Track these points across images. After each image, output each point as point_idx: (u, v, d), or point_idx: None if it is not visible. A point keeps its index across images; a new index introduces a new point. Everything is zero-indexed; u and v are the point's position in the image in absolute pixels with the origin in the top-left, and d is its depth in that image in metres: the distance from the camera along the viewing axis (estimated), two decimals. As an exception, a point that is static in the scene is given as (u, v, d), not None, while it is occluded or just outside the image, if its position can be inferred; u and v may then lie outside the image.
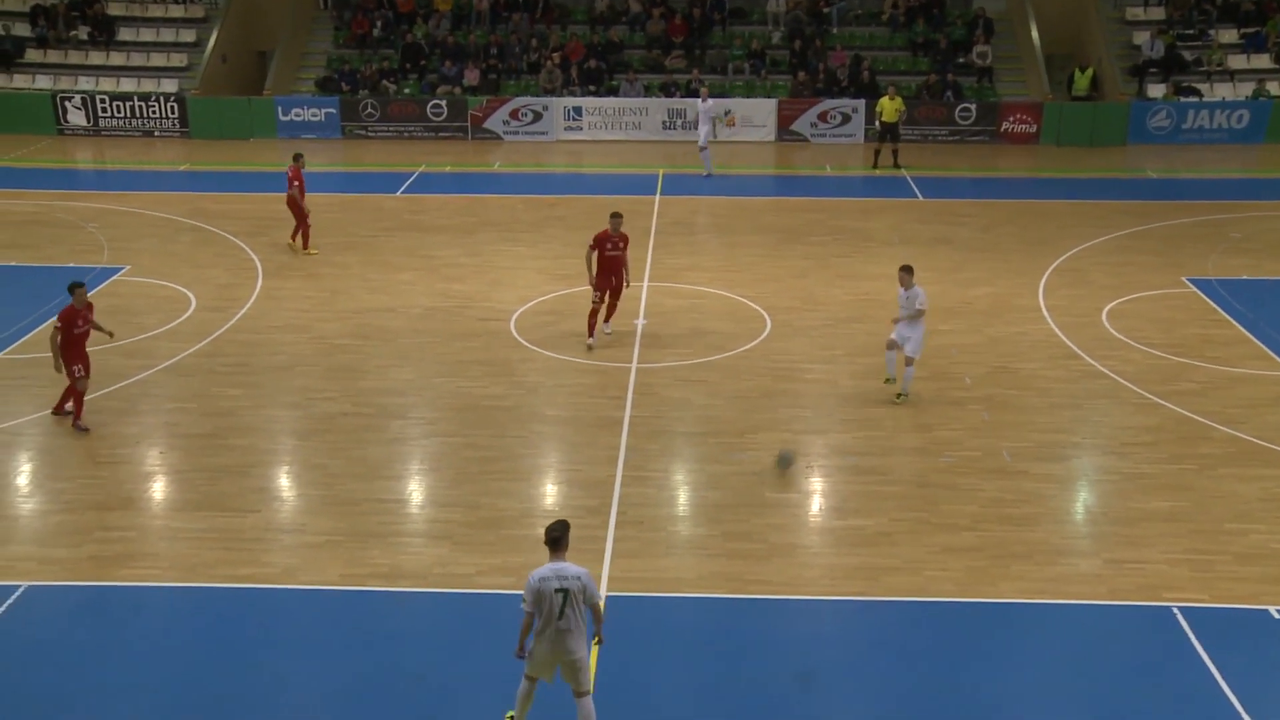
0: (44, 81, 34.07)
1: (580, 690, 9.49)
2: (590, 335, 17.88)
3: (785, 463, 14.12)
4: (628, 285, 18.07)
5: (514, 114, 32.98)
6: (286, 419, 15.83)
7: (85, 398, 15.37)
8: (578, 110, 33.03)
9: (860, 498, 13.66)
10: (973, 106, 32.84)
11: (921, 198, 27.26)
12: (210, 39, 35.05)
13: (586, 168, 29.95)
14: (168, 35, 35.38)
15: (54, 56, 34.78)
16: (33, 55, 34.66)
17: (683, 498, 13.85)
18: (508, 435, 15.20)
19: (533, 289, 20.58)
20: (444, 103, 33.07)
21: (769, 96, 33.49)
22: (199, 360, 17.47)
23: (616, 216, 17.62)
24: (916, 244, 23.26)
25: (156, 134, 33.39)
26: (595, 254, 17.61)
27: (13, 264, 21.90)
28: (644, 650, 10.98)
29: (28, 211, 25.42)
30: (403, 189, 27.77)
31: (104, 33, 35.07)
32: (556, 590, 9.16)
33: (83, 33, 35.14)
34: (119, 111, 33.37)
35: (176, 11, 35.82)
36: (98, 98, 33.29)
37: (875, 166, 29.96)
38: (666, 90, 33.44)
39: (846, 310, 19.65)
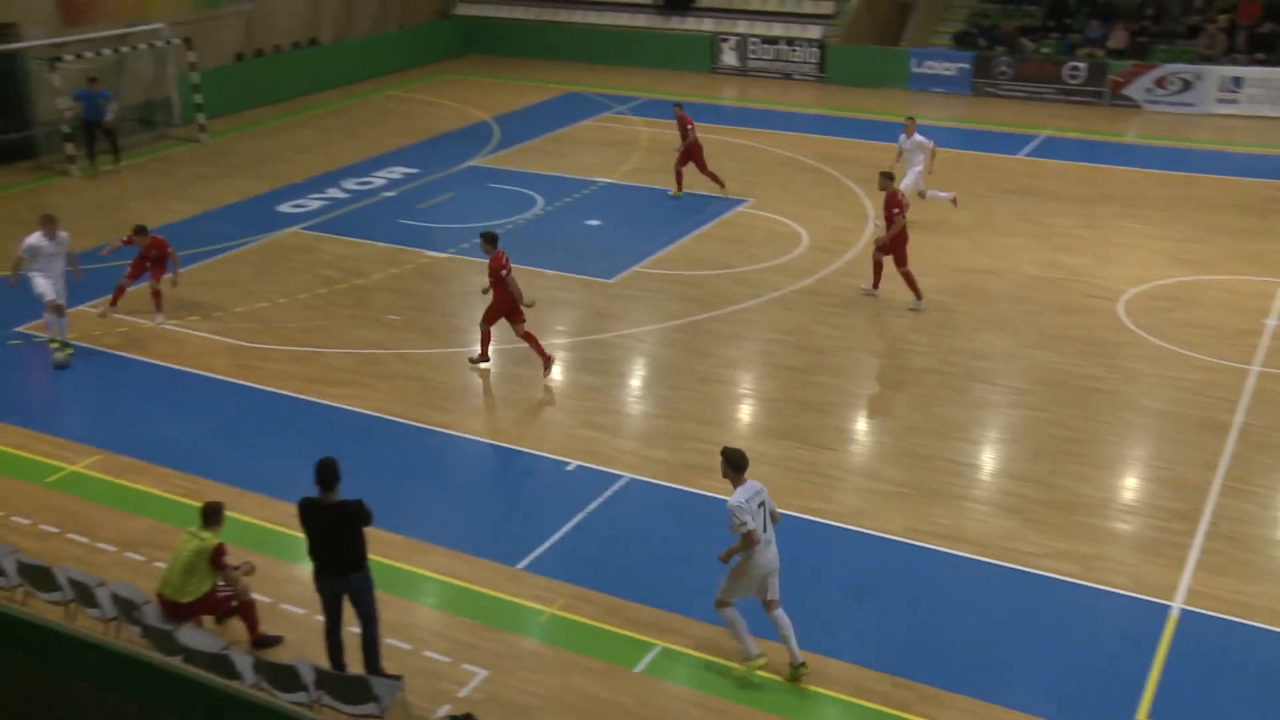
0: (708, 24, 36.94)
1: (775, 598, 10.04)
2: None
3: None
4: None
5: (1159, 81, 30.80)
6: (874, 365, 16.27)
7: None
8: (1237, 81, 30.11)
9: None
10: None
11: None
12: (860, -12, 36.04)
13: (1235, 146, 27.36)
14: (821, -17, 36.86)
15: (721, 1, 37.53)
16: (705, 0, 37.65)
17: (1286, 521, 12.55)
18: (1097, 419, 14.55)
19: (1150, 270, 19.33)
20: (1083, 65, 31.63)
21: None
22: (802, 296, 18.37)
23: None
24: None
25: (795, 77, 35.09)
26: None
27: (657, 187, 24.15)
28: (1210, 674, 10.20)
29: (677, 140, 27.86)
30: (1025, 151, 27.07)
31: (764, -21, 37.24)
32: (759, 505, 9.79)
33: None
34: (765, 54, 35.46)
35: (833, -39, 37.19)
36: (749, 40, 35.60)
37: None
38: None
39: None
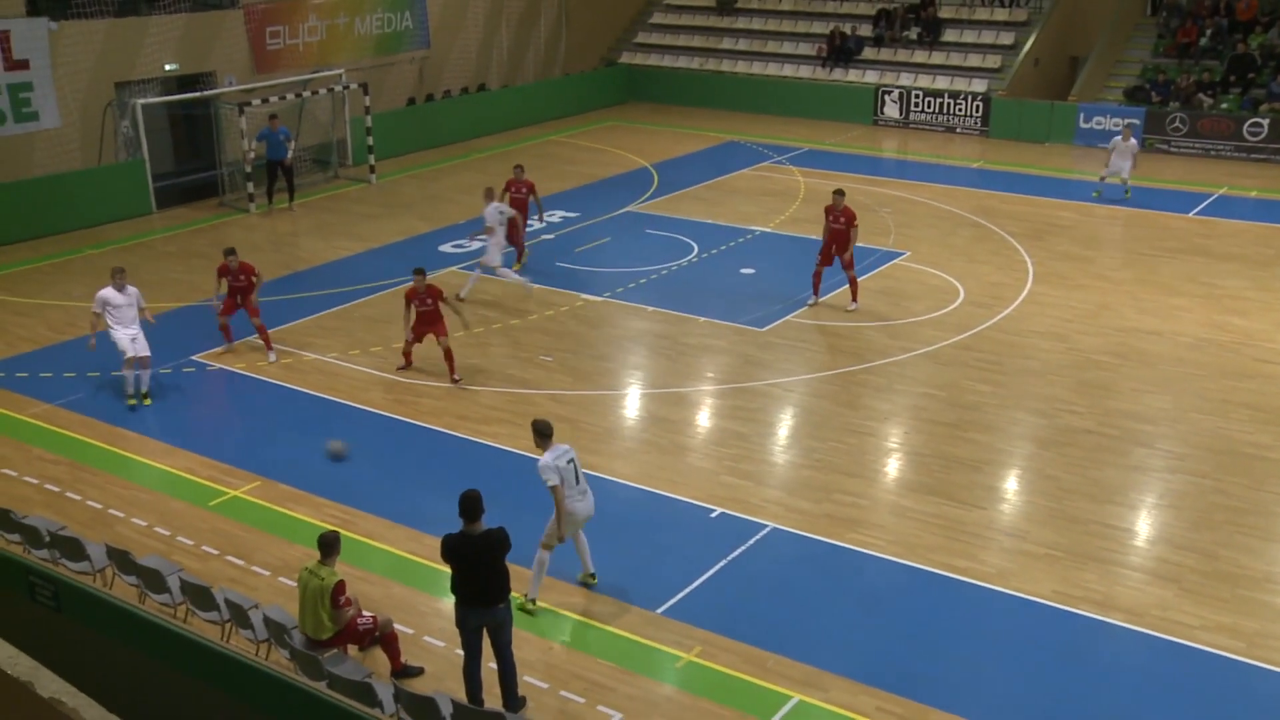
0: (871, 76, 36.87)
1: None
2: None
3: (335, 454, 13.37)
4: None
5: (1347, 140, 29.46)
6: (1028, 424, 15.88)
7: (452, 360, 17.12)
8: None
9: None
10: None
11: None
12: (1027, 42, 35.51)
13: None
14: (988, 37, 36.43)
15: (884, 54, 37.44)
16: (868, 53, 37.61)
17: None
18: (1267, 490, 13.91)
19: (1328, 337, 18.44)
20: (1265, 121, 30.46)
21: None
22: (956, 351, 18.08)
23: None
24: None
25: (958, 130, 34.67)
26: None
27: (813, 237, 24.06)
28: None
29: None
30: (1197, 210, 26.16)
31: (931, 33, 37.02)
32: (567, 462, 11.30)
33: (913, 33, 37.39)
34: (928, 107, 35.15)
35: (1001, 15, 36.74)
36: (912, 93, 35.35)
37: None
38: None
39: None
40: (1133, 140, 26.48)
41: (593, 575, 12.24)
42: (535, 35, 39.19)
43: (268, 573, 12.50)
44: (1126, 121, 27.79)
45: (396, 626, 10.86)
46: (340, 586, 10.20)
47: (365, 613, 10.63)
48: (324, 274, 22.33)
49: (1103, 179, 26.67)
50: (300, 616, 10.38)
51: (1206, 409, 16.04)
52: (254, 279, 17.90)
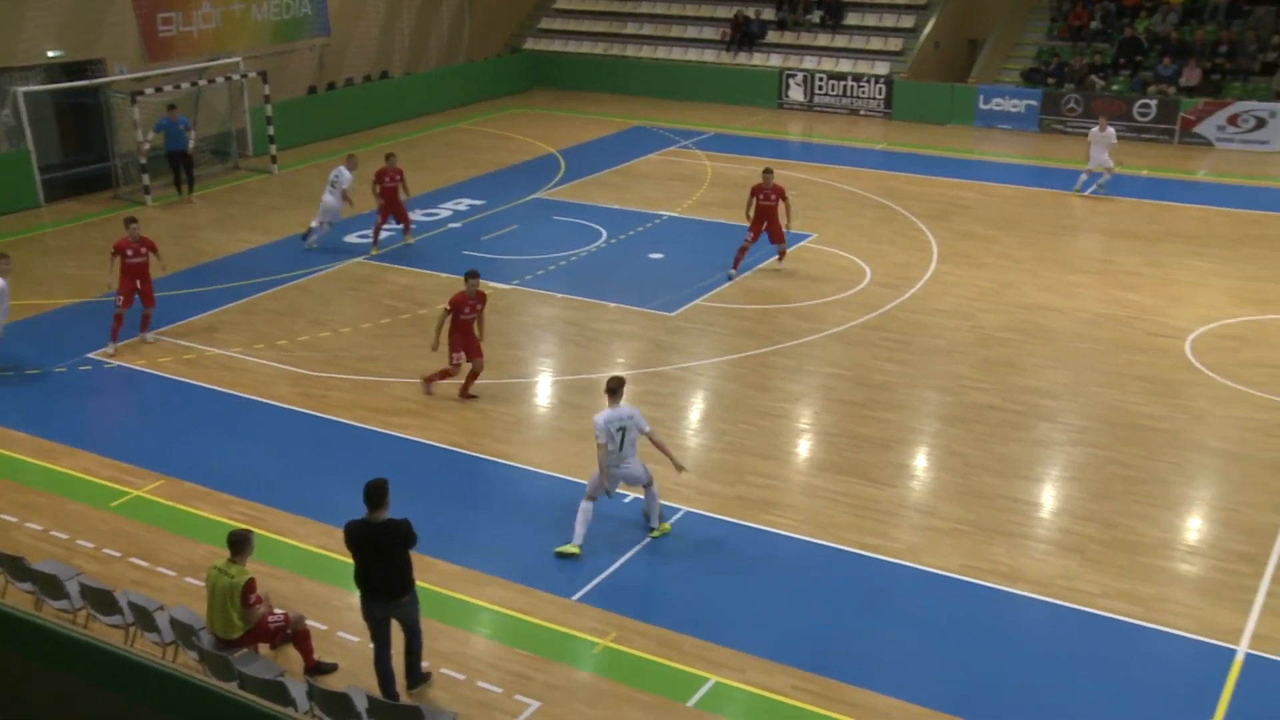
0: (775, 60, 37.09)
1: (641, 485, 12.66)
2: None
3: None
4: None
5: (1232, 119, 30.36)
6: (935, 401, 16.15)
7: (476, 379, 16.07)
8: (1311, 120, 29.64)
9: None
10: None
11: None
12: (927, 26, 36.01)
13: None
14: (889, 21, 36.86)
15: (788, 38, 37.68)
16: (772, 36, 37.81)
17: (1358, 568, 12.23)
18: (1161, 459, 14.32)
19: (1216, 309, 19.02)
20: (1154, 102, 31.29)
21: None
22: (864, 332, 18.30)
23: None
24: None
25: (862, 113, 35.06)
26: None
27: (720, 221, 24.25)
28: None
29: (742, 175, 27.93)
30: (1092, 188, 26.78)
31: (833, 17, 37.34)
32: (618, 429, 12.08)
33: (816, 16, 37.68)
34: (832, 90, 35.49)
35: (901, -2, 37.24)
36: (816, 76, 35.66)
37: None
38: None
39: None
40: (1110, 129, 25.94)
41: (654, 528, 12.78)
42: (438, 21, 38.76)
43: (174, 573, 12.23)
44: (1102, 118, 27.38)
45: (309, 623, 10.70)
46: (251, 584, 10.02)
47: (276, 610, 10.46)
48: (226, 267, 21.87)
49: (1089, 173, 26.09)
50: (209, 616, 10.18)
51: (1104, 382, 16.45)
52: (155, 254, 17.71)
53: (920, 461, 14.64)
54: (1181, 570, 12.07)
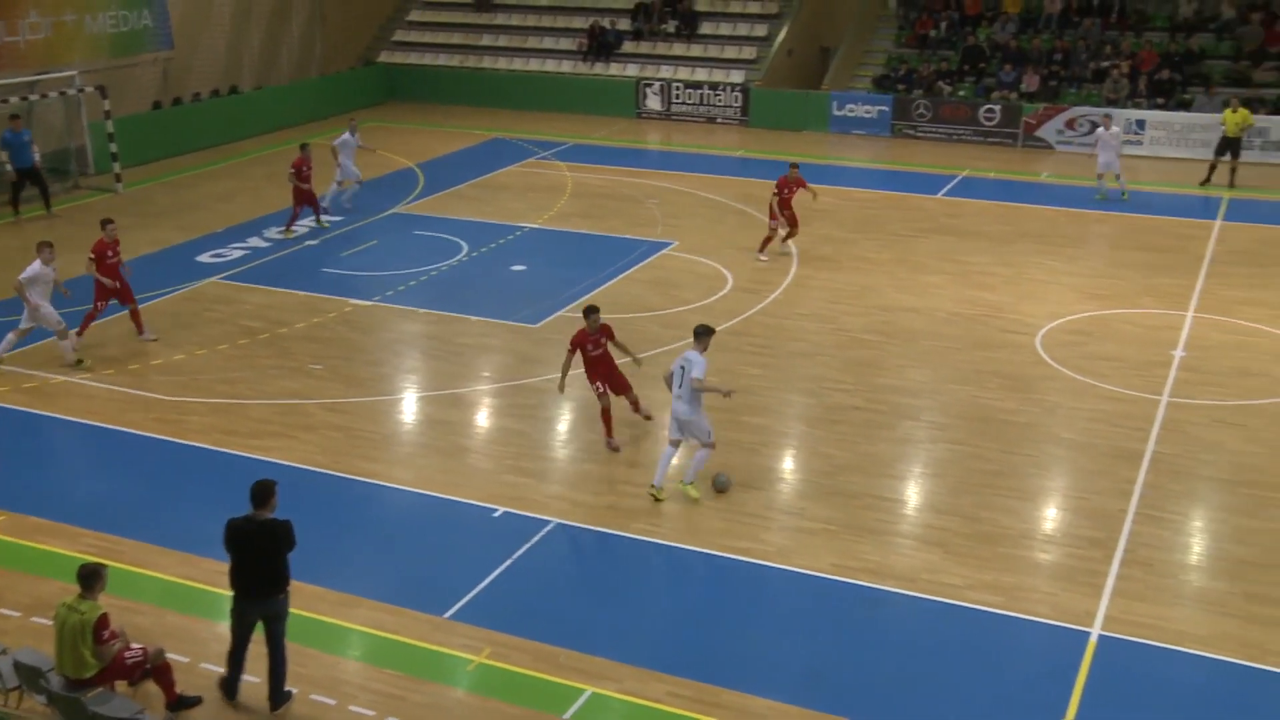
0: (632, 70, 37.31)
1: (693, 441, 13.62)
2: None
3: (721, 486, 13.88)
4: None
5: (1070, 123, 31.61)
6: (800, 404, 16.39)
7: (639, 405, 15.47)
8: (1140, 123, 31.04)
9: None
10: None
11: None
12: (780, 34, 36.66)
13: (1141, 185, 28.08)
14: (743, 29, 37.40)
15: (644, 47, 37.92)
16: (628, 46, 38.01)
17: (1201, 546, 12.79)
18: (1017, 452, 14.78)
19: (1064, 306, 19.75)
20: (997, 108, 32.39)
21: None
22: (727, 338, 18.47)
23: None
24: None
25: (719, 120, 35.49)
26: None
27: (582, 231, 24.27)
28: (1128, 697, 10.34)
29: (602, 185, 28.05)
30: (944, 191, 27.59)
31: (688, 26, 37.72)
32: (679, 367, 13.27)
33: (671, 26, 38.01)
34: (689, 98, 35.86)
35: (754, 7, 37.76)
36: (673, 85, 35.98)
37: (1204, 183, 27.34)
38: (1249, 107, 30.50)
39: None
40: (1115, 129, 26.00)
41: (685, 483, 13.59)
42: (288, 34, 37.95)
43: (18, 613, 11.66)
44: (1104, 112, 27.86)
45: (171, 656, 10.31)
46: (103, 620, 9.60)
47: (134, 645, 10.05)
48: (72, 290, 20.99)
49: (1100, 178, 26.17)
50: (58, 656, 9.71)
51: (962, 379, 16.92)
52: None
53: (788, 464, 14.83)
54: (1039, 559, 12.47)
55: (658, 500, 13.54)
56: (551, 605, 11.81)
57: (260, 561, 9.91)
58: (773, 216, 22.28)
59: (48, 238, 18.15)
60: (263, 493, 9.93)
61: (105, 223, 18.33)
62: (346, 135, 25.36)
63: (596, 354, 14.88)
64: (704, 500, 13.66)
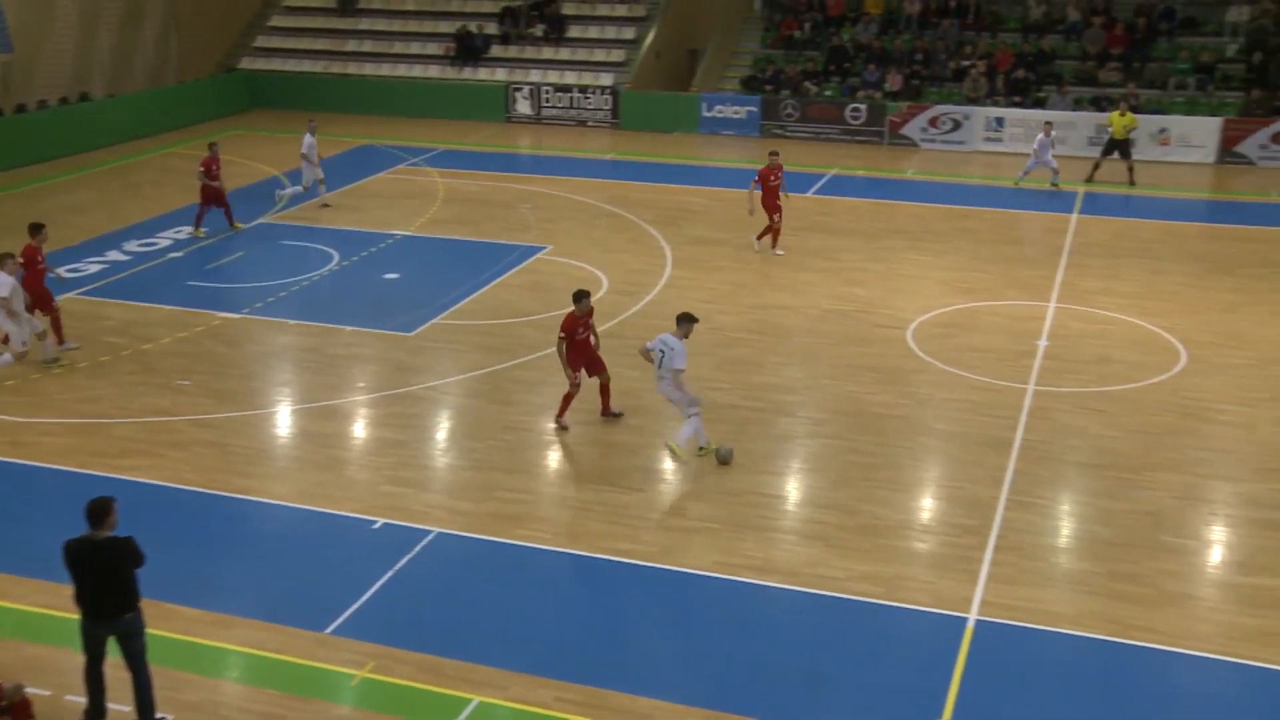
0: (501, 74, 37.09)
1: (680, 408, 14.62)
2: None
3: (724, 457, 14.50)
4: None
5: (933, 121, 32.45)
6: (679, 405, 16.44)
7: (610, 394, 15.79)
8: (1000, 121, 32.02)
9: (1271, 554, 12.49)
10: None
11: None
12: (648, 37, 36.85)
13: (1003, 180, 28.98)
14: (611, 32, 37.50)
15: (512, 51, 37.75)
16: (496, 51, 37.79)
17: (1069, 529, 13.21)
18: (893, 445, 15.07)
19: (934, 300, 20.23)
20: (863, 106, 33.07)
21: (1213, 115, 31.01)
22: (604, 340, 18.41)
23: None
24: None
25: (590, 124, 35.53)
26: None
27: (455, 238, 24.04)
28: (1006, 679, 10.61)
29: (474, 190, 27.83)
30: (814, 189, 28.03)
31: (556, 29, 37.68)
32: (659, 351, 14.22)
33: (539, 30, 37.91)
34: (559, 102, 35.82)
35: (621, 10, 37.89)
36: (542, 89, 35.90)
37: (1089, 180, 28.54)
38: (1098, 105, 31.73)
39: (1279, 351, 17.96)
40: (1055, 133, 28.08)
41: (671, 447, 14.25)
42: (141, 39, 36.82)
43: None
44: (1045, 120, 29.25)
45: (30, 690, 9.88)
46: None
47: None
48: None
49: (1025, 174, 27.89)
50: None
51: (837, 375, 17.19)
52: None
53: (667, 464, 14.87)
54: (916, 548, 12.72)
55: (702, 454, 14.59)
56: (435, 615, 11.64)
57: (104, 581, 9.57)
58: (770, 208, 22.62)
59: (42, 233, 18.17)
60: (98, 511, 9.57)
61: (36, 228, 17.97)
62: (309, 137, 25.76)
63: (583, 338, 15.27)
64: (584, 503, 13.61)
